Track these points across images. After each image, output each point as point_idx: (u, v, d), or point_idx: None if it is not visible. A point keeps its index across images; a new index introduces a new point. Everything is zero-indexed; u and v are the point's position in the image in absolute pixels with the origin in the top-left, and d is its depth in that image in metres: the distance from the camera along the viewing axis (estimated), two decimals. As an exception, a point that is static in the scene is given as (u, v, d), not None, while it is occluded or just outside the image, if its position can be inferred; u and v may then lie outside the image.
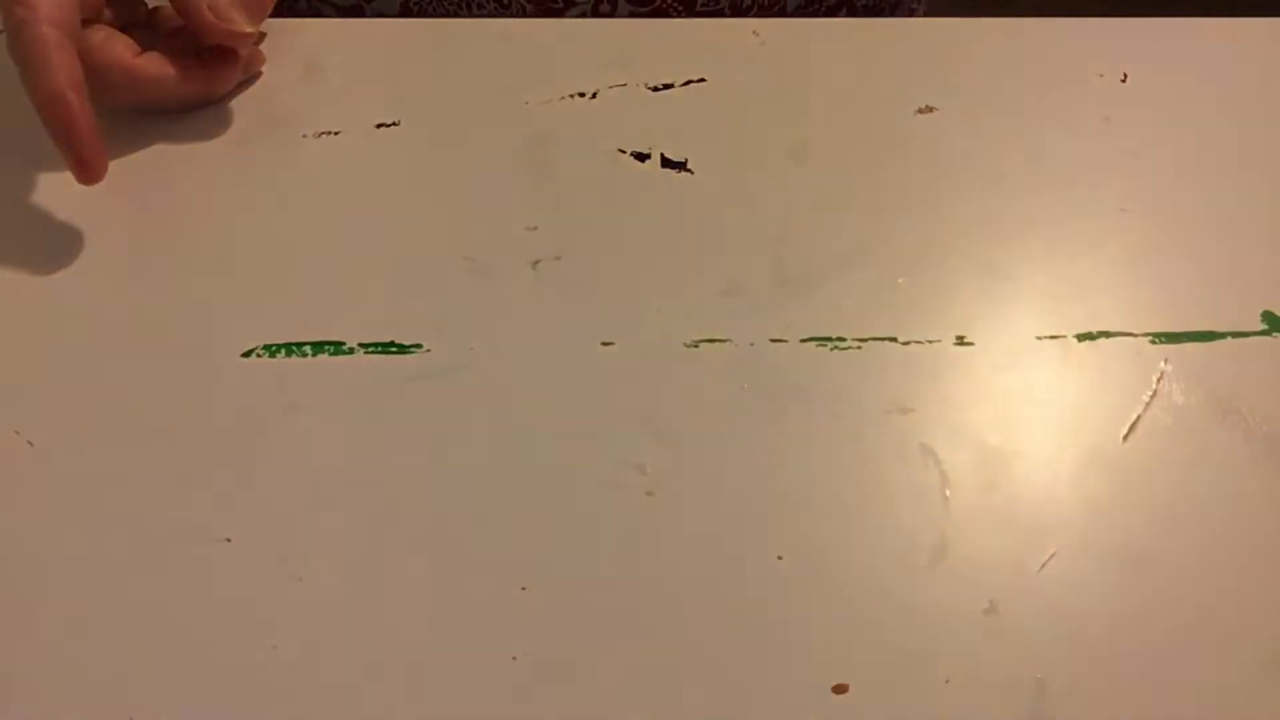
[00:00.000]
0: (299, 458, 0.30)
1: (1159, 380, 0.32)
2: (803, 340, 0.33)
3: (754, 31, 0.42)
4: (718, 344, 0.33)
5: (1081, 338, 0.33)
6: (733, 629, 0.27)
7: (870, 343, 0.33)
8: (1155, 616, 0.27)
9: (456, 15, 0.50)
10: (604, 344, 0.33)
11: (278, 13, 0.56)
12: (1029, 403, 0.31)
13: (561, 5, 0.49)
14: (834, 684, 0.26)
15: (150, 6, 0.41)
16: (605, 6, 0.49)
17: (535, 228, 0.37)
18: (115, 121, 0.40)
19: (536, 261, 0.36)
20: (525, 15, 0.49)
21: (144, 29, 0.40)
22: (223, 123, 0.41)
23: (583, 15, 0.49)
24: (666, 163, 0.38)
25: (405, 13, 0.51)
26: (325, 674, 0.26)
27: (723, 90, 0.41)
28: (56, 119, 0.34)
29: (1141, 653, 0.26)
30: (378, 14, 0.51)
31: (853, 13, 0.53)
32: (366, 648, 0.26)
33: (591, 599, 0.27)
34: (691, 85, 0.41)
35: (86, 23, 0.37)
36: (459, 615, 0.27)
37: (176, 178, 0.39)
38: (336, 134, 0.40)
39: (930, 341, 0.33)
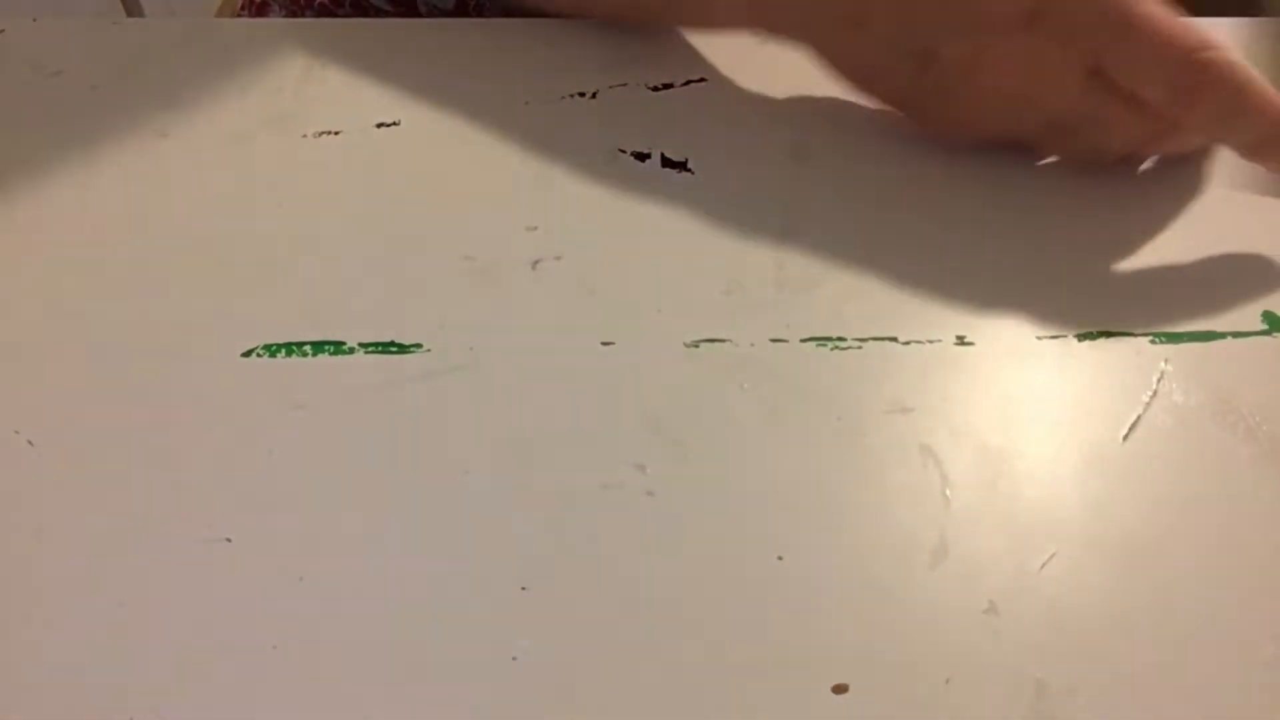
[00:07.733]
0: (299, 458, 0.30)
1: (1159, 380, 0.32)
2: (803, 340, 0.33)
3: (754, 31, 0.42)
4: (718, 344, 0.33)
5: (1081, 337, 0.33)
6: (733, 629, 0.27)
7: (870, 343, 0.33)
8: (1155, 617, 0.27)
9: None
10: (604, 344, 0.33)
11: (288, 12, 0.56)
12: (1029, 403, 0.31)
13: None
14: (834, 684, 0.26)
15: None
16: None
17: (535, 228, 0.37)
18: (117, 122, 0.40)
19: (536, 261, 0.36)
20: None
21: None
22: (223, 123, 0.41)
23: None
24: (666, 163, 0.38)
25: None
26: (325, 674, 0.26)
27: (723, 90, 0.41)
28: None
29: (1141, 653, 0.26)
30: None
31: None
32: (366, 648, 0.26)
33: (591, 599, 0.27)
34: (691, 85, 0.41)
35: None
36: (459, 615, 0.27)
37: (176, 177, 0.39)
38: (336, 134, 0.40)
39: (930, 341, 0.33)
